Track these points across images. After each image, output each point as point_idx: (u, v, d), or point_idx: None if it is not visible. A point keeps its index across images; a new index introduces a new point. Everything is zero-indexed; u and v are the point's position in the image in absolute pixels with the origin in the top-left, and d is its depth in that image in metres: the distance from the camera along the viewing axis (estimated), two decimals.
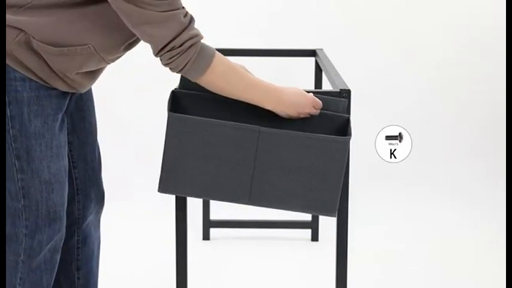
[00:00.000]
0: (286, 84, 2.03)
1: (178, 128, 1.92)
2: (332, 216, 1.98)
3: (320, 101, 1.99)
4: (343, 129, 2.00)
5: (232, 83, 1.93)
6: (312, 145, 1.92)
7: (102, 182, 2.27)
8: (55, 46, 1.87)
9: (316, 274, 3.03)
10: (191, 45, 1.86)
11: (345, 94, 2.04)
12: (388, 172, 4.14)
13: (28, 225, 1.97)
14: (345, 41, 4.34)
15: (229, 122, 1.92)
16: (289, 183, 1.94)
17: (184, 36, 1.85)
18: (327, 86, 4.15)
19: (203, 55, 1.88)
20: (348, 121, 2.00)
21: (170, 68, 1.90)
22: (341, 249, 2.11)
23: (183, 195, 2.00)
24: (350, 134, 1.96)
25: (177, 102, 2.01)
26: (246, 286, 2.94)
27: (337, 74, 2.39)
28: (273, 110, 1.97)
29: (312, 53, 3.25)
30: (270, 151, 1.93)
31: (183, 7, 1.87)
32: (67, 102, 2.01)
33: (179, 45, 1.85)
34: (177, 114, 1.93)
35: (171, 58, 1.86)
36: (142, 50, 2.33)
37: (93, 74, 2.03)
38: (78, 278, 2.26)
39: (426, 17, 4.37)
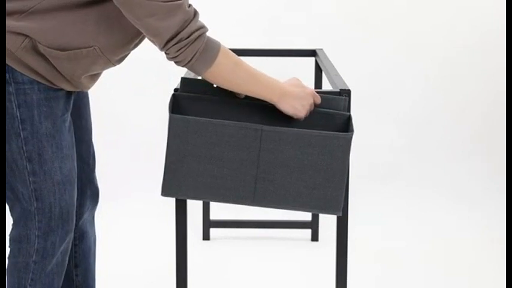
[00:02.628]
0: None
1: (180, 130, 1.92)
2: (337, 214, 1.98)
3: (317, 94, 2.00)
4: (345, 127, 2.00)
5: (239, 76, 1.90)
6: (315, 142, 1.92)
7: (96, 179, 2.28)
8: (61, 50, 1.87)
9: (316, 274, 3.03)
10: (198, 36, 1.84)
11: (345, 94, 2.04)
12: (388, 172, 4.15)
13: (41, 227, 1.97)
14: (345, 41, 4.34)
15: (231, 122, 1.91)
16: (293, 182, 1.94)
17: (192, 27, 1.82)
18: (327, 86, 4.17)
19: (209, 47, 1.86)
20: (349, 119, 2.00)
21: (176, 62, 1.87)
22: (341, 248, 2.11)
23: (186, 198, 2.00)
24: (352, 131, 1.96)
25: (178, 104, 2.00)
26: (246, 286, 2.94)
27: (337, 74, 2.38)
28: (278, 103, 1.95)
29: (312, 53, 3.25)
30: (273, 150, 1.92)
31: None
32: (71, 102, 2.02)
33: (187, 36, 1.82)
34: (178, 115, 1.91)
35: (179, 50, 1.83)
36: (143, 50, 2.33)
37: (96, 74, 2.04)
38: (77, 275, 2.27)
39: (426, 17, 4.37)
